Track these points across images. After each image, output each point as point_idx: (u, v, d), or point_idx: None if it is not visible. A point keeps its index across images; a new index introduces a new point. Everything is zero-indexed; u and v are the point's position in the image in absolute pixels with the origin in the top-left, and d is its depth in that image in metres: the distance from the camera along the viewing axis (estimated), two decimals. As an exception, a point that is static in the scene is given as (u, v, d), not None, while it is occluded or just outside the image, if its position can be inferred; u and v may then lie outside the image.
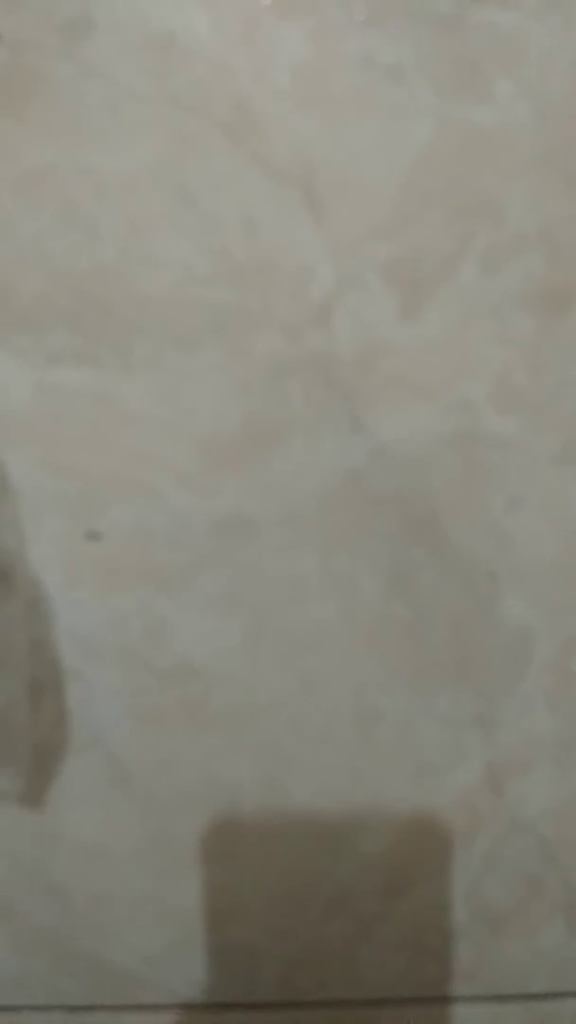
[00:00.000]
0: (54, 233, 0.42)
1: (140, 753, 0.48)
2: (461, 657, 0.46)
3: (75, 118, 0.41)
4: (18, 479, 0.44)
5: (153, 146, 0.41)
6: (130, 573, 0.45)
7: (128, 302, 0.42)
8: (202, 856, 0.49)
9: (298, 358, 0.43)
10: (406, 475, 0.44)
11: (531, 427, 0.44)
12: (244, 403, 0.43)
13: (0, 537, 0.44)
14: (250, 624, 0.46)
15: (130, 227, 0.42)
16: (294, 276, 0.42)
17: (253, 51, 0.40)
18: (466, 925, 0.50)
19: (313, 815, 0.48)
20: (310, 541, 0.45)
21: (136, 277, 0.42)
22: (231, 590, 0.46)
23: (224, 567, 0.45)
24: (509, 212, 0.42)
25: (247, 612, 0.46)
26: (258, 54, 0.40)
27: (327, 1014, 0.51)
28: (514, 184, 0.42)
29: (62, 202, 0.41)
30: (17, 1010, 0.51)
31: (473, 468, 0.44)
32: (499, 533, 0.45)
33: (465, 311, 0.42)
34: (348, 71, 0.41)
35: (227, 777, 0.48)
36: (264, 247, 0.42)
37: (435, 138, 0.41)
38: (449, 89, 0.41)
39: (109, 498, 0.45)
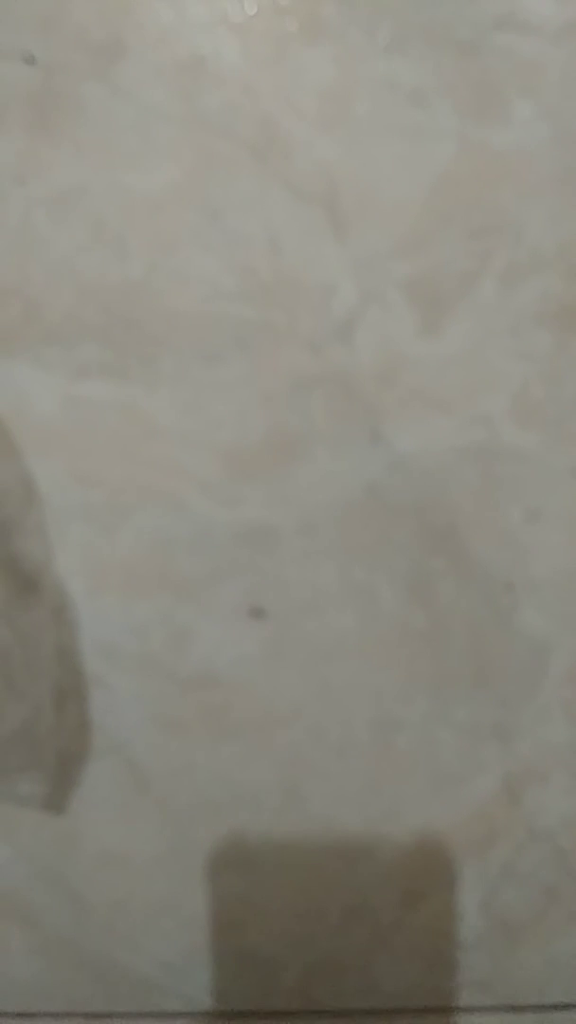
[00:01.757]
0: (84, 250, 0.43)
1: (160, 760, 0.48)
2: (479, 667, 0.47)
3: (106, 139, 0.42)
4: (45, 489, 0.45)
5: (181, 166, 0.42)
6: (153, 582, 0.46)
7: (155, 317, 0.43)
8: (220, 864, 0.50)
9: (320, 372, 0.44)
10: (425, 487, 0.45)
11: (548, 440, 0.45)
12: (267, 416, 0.44)
13: (27, 546, 0.45)
14: (270, 633, 0.47)
15: (158, 245, 0.43)
16: (317, 293, 0.43)
17: (280, 75, 0.41)
18: (482, 935, 0.50)
19: (331, 824, 0.49)
20: (330, 551, 0.46)
21: (163, 293, 0.43)
22: (252, 599, 0.46)
23: (245, 576, 0.46)
24: (527, 231, 0.43)
25: (268, 621, 0.47)
26: (284, 78, 0.41)
27: (343, 1023, 0.51)
28: (532, 204, 0.43)
29: (92, 220, 0.42)
30: (35, 1016, 0.52)
31: (491, 480, 0.45)
32: (517, 544, 0.46)
33: (484, 327, 0.43)
34: (371, 94, 0.42)
35: (246, 785, 0.49)
36: (288, 264, 0.43)
37: (455, 159, 0.42)
38: (469, 112, 0.42)
39: (134, 507, 0.45)
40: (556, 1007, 0.50)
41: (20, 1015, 0.52)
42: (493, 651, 0.47)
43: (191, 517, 0.45)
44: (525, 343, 0.44)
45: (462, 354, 0.44)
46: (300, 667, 0.47)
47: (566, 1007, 0.50)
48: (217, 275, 0.43)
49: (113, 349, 0.44)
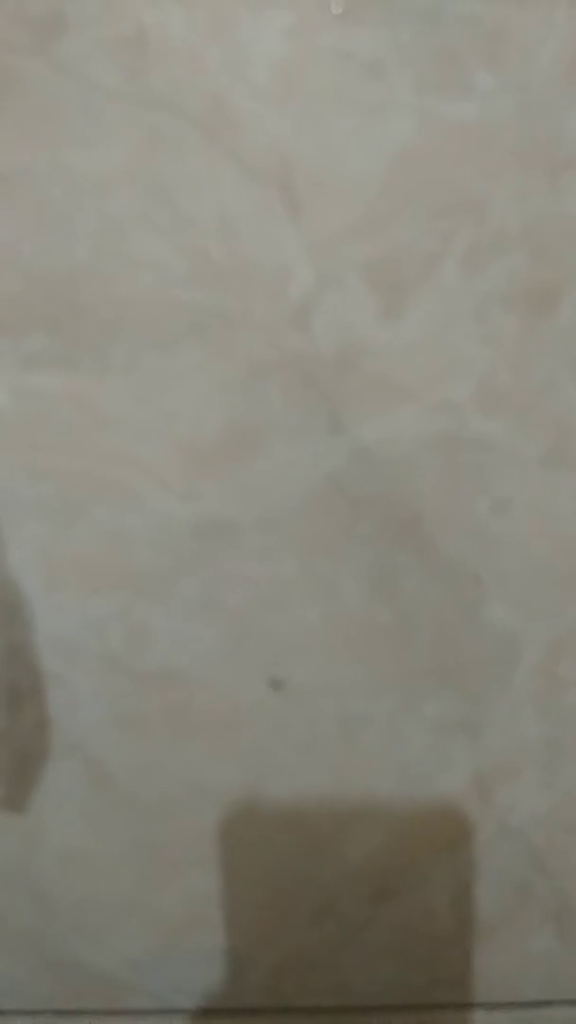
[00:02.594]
0: (28, 234, 0.41)
1: (123, 758, 0.47)
2: (446, 662, 0.46)
3: (48, 117, 0.40)
4: (-4, 483, 0.44)
5: (128, 145, 0.40)
6: (110, 577, 0.45)
7: (105, 304, 0.42)
8: (186, 862, 0.49)
9: (278, 359, 0.42)
10: (389, 478, 0.43)
11: (516, 428, 0.43)
12: (223, 405, 0.43)
13: (-22, 542, 0.44)
14: (232, 629, 0.46)
15: (105, 228, 0.41)
16: (272, 276, 0.41)
17: (228, 47, 0.39)
18: (453, 932, 0.49)
19: (298, 821, 0.48)
20: (292, 545, 0.44)
21: (112, 278, 0.41)
22: (212, 594, 0.45)
23: (205, 571, 0.45)
24: (492, 210, 0.41)
25: (229, 616, 0.45)
26: (233, 50, 0.39)
27: (313, 1020, 0.50)
28: (497, 181, 0.41)
29: (36, 202, 0.41)
30: (3, 1014, 0.51)
31: (457, 470, 0.43)
32: (484, 536, 0.44)
33: (447, 311, 0.42)
34: (326, 66, 0.40)
35: (211, 783, 0.48)
36: (242, 247, 0.41)
37: (415, 134, 0.40)
38: (429, 84, 0.40)
39: (88, 501, 0.44)
40: (529, 1004, 0.50)
41: (-12, 1013, 0.51)
42: (461, 645, 0.45)
43: (148, 511, 0.44)
44: (491, 327, 0.42)
45: (425, 339, 0.42)
46: (262, 663, 0.46)
47: (539, 1004, 0.50)
48: (167, 259, 0.41)
49: (62, 338, 0.42)
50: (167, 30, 0.39)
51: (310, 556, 0.45)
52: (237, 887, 0.49)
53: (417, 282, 0.41)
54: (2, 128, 0.40)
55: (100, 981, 0.51)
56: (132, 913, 0.50)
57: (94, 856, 0.49)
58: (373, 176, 0.41)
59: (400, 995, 0.50)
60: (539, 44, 0.40)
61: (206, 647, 0.46)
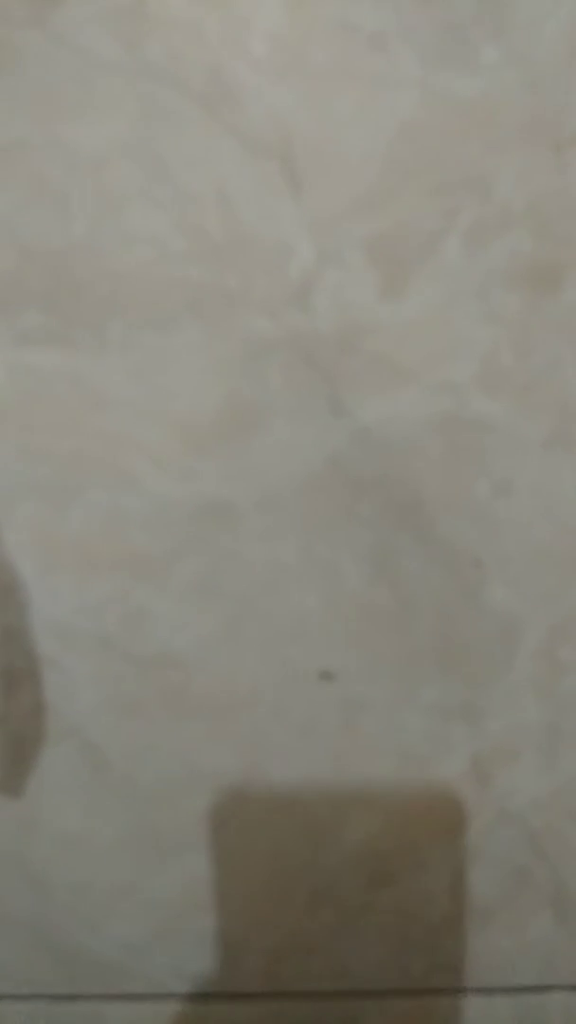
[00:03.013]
0: (24, 209, 0.40)
1: (120, 742, 0.47)
2: (446, 645, 0.45)
3: (44, 89, 0.39)
4: (-9, 463, 0.43)
5: (125, 118, 0.39)
6: (107, 559, 0.44)
7: (101, 280, 0.41)
8: (184, 846, 0.48)
9: (277, 338, 0.42)
10: (390, 459, 0.43)
11: (518, 409, 0.43)
12: (222, 384, 0.42)
13: (-27, 523, 0.43)
14: (230, 612, 0.45)
15: (102, 203, 0.40)
16: (272, 253, 0.41)
17: (228, 17, 0.39)
18: (451, 917, 0.49)
19: (296, 805, 0.48)
20: (291, 527, 0.44)
21: (109, 254, 0.41)
22: (211, 577, 0.45)
23: (203, 554, 0.44)
24: (495, 186, 0.40)
25: (227, 600, 0.45)
26: (233, 21, 0.39)
27: (310, 1005, 0.50)
28: (500, 157, 0.40)
29: (32, 177, 0.40)
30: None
31: (459, 452, 0.43)
32: (485, 518, 0.44)
33: (450, 289, 0.41)
34: (327, 39, 0.39)
35: (208, 767, 0.47)
36: (241, 223, 0.40)
37: (418, 108, 0.40)
38: (433, 57, 0.39)
39: (84, 482, 0.43)
40: (526, 989, 0.49)
41: (-17, 998, 0.51)
42: (461, 629, 0.45)
43: (145, 492, 0.44)
44: (493, 306, 0.41)
45: (427, 318, 0.41)
46: (261, 646, 0.45)
47: (536, 989, 0.49)
48: (166, 235, 0.41)
49: (57, 315, 0.41)
50: (167, 1, 0.38)
51: (310, 538, 0.44)
52: (234, 871, 0.49)
53: (419, 260, 0.41)
54: (-3, 100, 0.39)
55: (96, 966, 0.51)
56: (129, 897, 0.49)
57: (90, 840, 0.48)
58: (375, 151, 0.40)
59: (398, 980, 0.50)
60: (545, 18, 0.39)
61: (204, 630, 0.45)
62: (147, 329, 0.42)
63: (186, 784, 0.47)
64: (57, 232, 0.40)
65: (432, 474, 0.43)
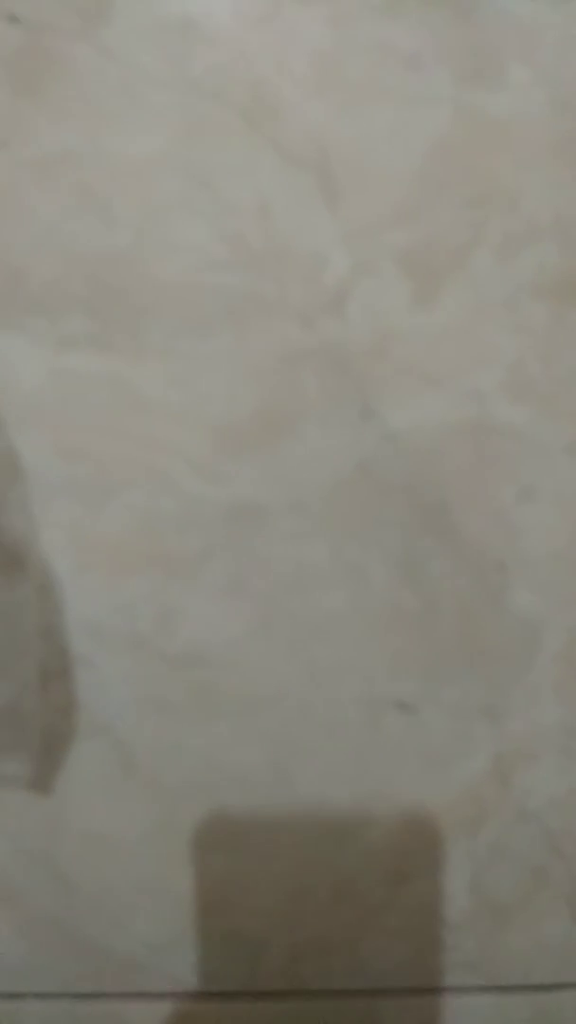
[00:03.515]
0: (70, 217, 0.41)
1: (147, 740, 0.48)
2: (469, 647, 0.46)
3: (92, 102, 0.41)
4: (30, 463, 0.44)
5: (170, 130, 0.41)
6: (140, 559, 0.45)
7: (142, 287, 0.42)
8: (208, 844, 0.49)
9: (311, 345, 0.43)
10: (417, 464, 0.44)
11: (543, 416, 0.44)
12: (256, 390, 0.43)
13: (11, 522, 0.44)
14: (260, 612, 0.46)
15: (145, 212, 0.42)
16: (308, 262, 0.42)
17: (271, 36, 0.40)
18: (470, 915, 0.50)
19: (319, 804, 0.48)
20: (320, 529, 0.45)
21: (150, 262, 0.42)
22: (241, 578, 0.46)
23: (234, 554, 0.45)
24: (523, 201, 0.42)
25: (257, 600, 0.46)
26: (276, 39, 0.40)
27: (330, 1003, 0.51)
28: (529, 172, 0.42)
29: (78, 186, 0.41)
30: (22, 997, 0.51)
31: (484, 457, 0.44)
32: (509, 523, 0.45)
33: (478, 299, 0.43)
34: (365, 57, 0.41)
35: (234, 765, 0.48)
36: (279, 233, 0.42)
37: (451, 125, 0.41)
38: (465, 77, 0.41)
39: (120, 483, 0.44)
40: (544, 987, 0.50)
41: (6, 996, 0.51)
42: (484, 631, 0.46)
43: (179, 494, 0.45)
44: (520, 316, 0.43)
45: (456, 327, 0.43)
46: (289, 646, 0.46)
47: (554, 987, 0.50)
48: (206, 243, 0.42)
49: (99, 320, 0.42)
50: (212, 19, 0.40)
51: (338, 540, 0.45)
52: (256, 870, 0.49)
53: (449, 271, 0.42)
54: (48, 111, 0.41)
55: (119, 964, 0.51)
56: (152, 895, 0.50)
57: (116, 838, 0.49)
58: (409, 166, 0.41)
59: (417, 977, 0.50)
60: (572, 40, 0.41)
61: (234, 630, 0.46)
62: (185, 335, 0.43)
63: (212, 782, 0.48)
64: (101, 239, 0.42)
65: (458, 479, 0.45)
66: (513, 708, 0.47)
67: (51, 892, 0.50)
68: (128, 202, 0.41)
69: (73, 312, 0.42)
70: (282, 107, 0.41)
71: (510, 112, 0.41)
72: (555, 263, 0.42)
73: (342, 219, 0.42)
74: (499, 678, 0.47)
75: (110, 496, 0.45)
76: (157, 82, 0.40)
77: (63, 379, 0.43)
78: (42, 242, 0.42)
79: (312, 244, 0.42)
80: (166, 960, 0.51)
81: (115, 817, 0.49)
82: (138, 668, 0.47)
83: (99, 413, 0.44)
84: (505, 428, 0.44)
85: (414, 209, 0.42)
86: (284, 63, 0.40)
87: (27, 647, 0.45)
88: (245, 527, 0.45)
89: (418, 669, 0.47)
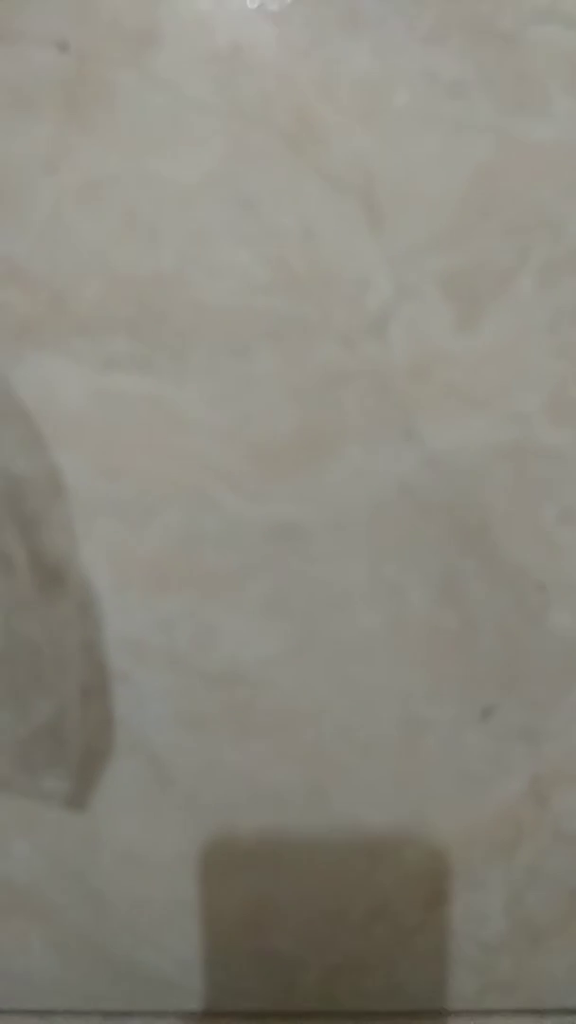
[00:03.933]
0: (115, 241, 0.42)
1: (184, 758, 0.48)
2: (509, 668, 0.46)
3: (139, 127, 0.41)
4: (72, 482, 0.44)
5: (215, 156, 0.41)
6: (180, 577, 0.46)
7: (186, 309, 0.43)
8: (242, 863, 0.49)
9: (353, 368, 0.43)
10: (458, 485, 0.44)
11: (583, 440, 0.44)
12: (299, 411, 0.44)
13: (53, 540, 0.45)
14: (298, 631, 0.46)
15: (190, 236, 0.42)
16: (351, 286, 0.43)
17: (316, 64, 0.41)
18: (506, 938, 0.50)
19: (355, 824, 0.49)
20: (360, 549, 0.45)
21: (195, 285, 0.42)
22: (280, 597, 0.46)
23: (274, 573, 0.46)
24: (566, 227, 0.42)
25: (295, 619, 0.46)
26: (321, 67, 0.41)
27: (365, 1024, 0.51)
28: (571, 200, 0.42)
29: (124, 210, 0.42)
30: (53, 1014, 0.52)
31: (526, 479, 0.44)
32: (550, 544, 0.45)
33: (521, 324, 0.43)
34: (410, 85, 0.41)
35: (270, 784, 0.48)
36: (322, 257, 0.42)
37: (494, 152, 0.42)
38: (509, 105, 0.41)
39: (161, 502, 0.45)
40: (580, 1011, 0.50)
41: (38, 1012, 0.51)
42: (524, 652, 0.46)
43: (219, 513, 0.45)
44: (563, 341, 0.43)
45: (498, 351, 0.43)
46: (327, 666, 0.47)
47: (590, 1011, 0.50)
48: (250, 267, 0.42)
49: (143, 341, 0.43)
50: (258, 46, 0.41)
51: (378, 560, 0.45)
52: (291, 889, 0.49)
53: (492, 295, 0.43)
54: (95, 137, 0.41)
55: (151, 982, 0.51)
56: (185, 914, 0.50)
57: (151, 855, 0.49)
58: (452, 192, 0.42)
59: (452, 1000, 0.50)
60: (615, 69, 0.41)
61: (272, 648, 0.46)
62: (228, 356, 0.43)
63: (248, 801, 0.48)
64: (146, 263, 0.42)
65: (499, 500, 0.45)
66: (552, 730, 0.47)
67: (84, 909, 0.50)
68: (173, 226, 0.42)
69: (117, 334, 0.43)
70: (326, 134, 0.41)
71: (553, 139, 0.41)
72: (597, 288, 0.43)
73: (385, 244, 0.42)
74: (538, 700, 0.47)
75: (151, 515, 0.45)
76: (203, 109, 0.41)
77: (106, 399, 0.44)
78: (88, 265, 0.42)
79: (355, 268, 0.42)
80: (199, 979, 0.51)
81: (150, 834, 0.49)
82: (176, 685, 0.47)
83: (141, 433, 0.44)
84: (546, 450, 0.44)
85: (457, 235, 0.42)
86: (329, 91, 0.41)
87: (68, 664, 0.45)
88: (285, 547, 0.45)
89: (456, 689, 0.47)
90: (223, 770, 0.48)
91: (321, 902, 0.50)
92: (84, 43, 0.41)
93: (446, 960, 0.50)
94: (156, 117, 0.41)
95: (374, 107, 0.41)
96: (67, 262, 0.42)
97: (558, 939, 0.49)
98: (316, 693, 0.47)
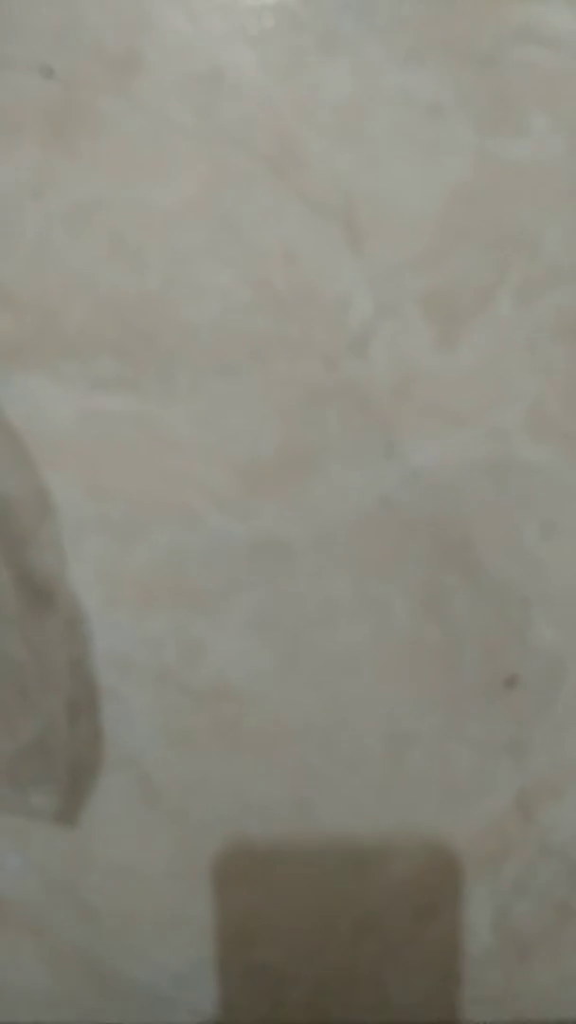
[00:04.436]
0: (101, 263, 0.43)
1: (172, 773, 0.48)
2: (493, 682, 0.47)
3: (123, 152, 0.42)
4: (60, 501, 0.45)
5: (198, 179, 0.42)
6: (166, 594, 0.46)
7: (171, 330, 0.43)
8: (231, 876, 0.49)
9: (335, 386, 0.44)
10: (440, 501, 0.45)
11: (564, 455, 0.45)
12: (282, 429, 0.44)
13: (42, 558, 0.45)
14: (284, 646, 0.47)
15: (174, 258, 0.43)
16: (333, 306, 0.43)
17: (297, 88, 0.41)
18: (493, 950, 0.50)
19: (342, 838, 0.49)
20: (344, 565, 0.46)
21: (180, 306, 0.43)
22: (266, 612, 0.46)
23: (259, 590, 0.46)
24: (544, 246, 0.43)
25: (281, 634, 0.47)
26: (302, 91, 0.41)
27: (354, 1037, 0.51)
28: (549, 218, 0.42)
29: (109, 233, 0.42)
30: (44, 1028, 0.52)
31: (506, 494, 0.45)
32: (532, 559, 0.45)
33: (500, 341, 0.43)
34: (388, 107, 0.42)
35: (257, 798, 0.48)
36: (304, 277, 0.43)
37: (472, 172, 0.42)
38: (486, 125, 0.42)
39: (148, 520, 0.45)
40: (568, 1023, 0.50)
41: (30, 1026, 0.52)
42: (507, 666, 0.47)
43: (206, 530, 0.45)
44: (541, 358, 0.43)
45: (478, 368, 0.44)
46: (312, 680, 0.47)
47: (578, 1024, 0.50)
48: (233, 288, 0.43)
49: (129, 362, 0.44)
50: (239, 71, 0.41)
51: (362, 576, 0.46)
52: (280, 903, 0.50)
53: (471, 313, 0.43)
54: (79, 161, 0.42)
55: (141, 995, 0.51)
56: (176, 927, 0.50)
57: (140, 870, 0.50)
58: (431, 212, 0.42)
59: (440, 1012, 0.50)
60: (591, 90, 0.42)
61: (258, 664, 0.47)
62: (212, 376, 0.44)
63: (236, 815, 0.49)
64: (131, 284, 0.43)
65: (481, 516, 0.45)
66: (536, 743, 0.47)
67: (75, 923, 0.50)
68: (157, 248, 0.42)
69: (103, 355, 0.43)
70: (307, 156, 0.42)
71: (531, 159, 0.42)
72: (574, 306, 0.43)
73: (365, 264, 0.43)
74: (522, 713, 0.47)
75: (138, 533, 0.46)
76: (185, 132, 0.42)
77: (93, 420, 0.44)
78: (74, 287, 0.43)
79: (336, 288, 0.43)
80: (189, 992, 0.51)
81: (139, 849, 0.49)
82: (163, 701, 0.47)
83: (128, 452, 0.45)
84: (527, 465, 0.45)
85: (437, 254, 0.43)
86: (309, 114, 0.41)
87: (56, 681, 0.46)
88: (269, 563, 0.46)
89: (441, 703, 0.47)
90: (211, 785, 0.48)
91: (310, 916, 0.50)
92: (68, 69, 0.42)
93: (434, 973, 0.50)
94: (140, 141, 0.42)
95: (354, 129, 0.42)
96: (54, 285, 0.43)
97: (546, 951, 0.50)
98: (302, 708, 0.47)
